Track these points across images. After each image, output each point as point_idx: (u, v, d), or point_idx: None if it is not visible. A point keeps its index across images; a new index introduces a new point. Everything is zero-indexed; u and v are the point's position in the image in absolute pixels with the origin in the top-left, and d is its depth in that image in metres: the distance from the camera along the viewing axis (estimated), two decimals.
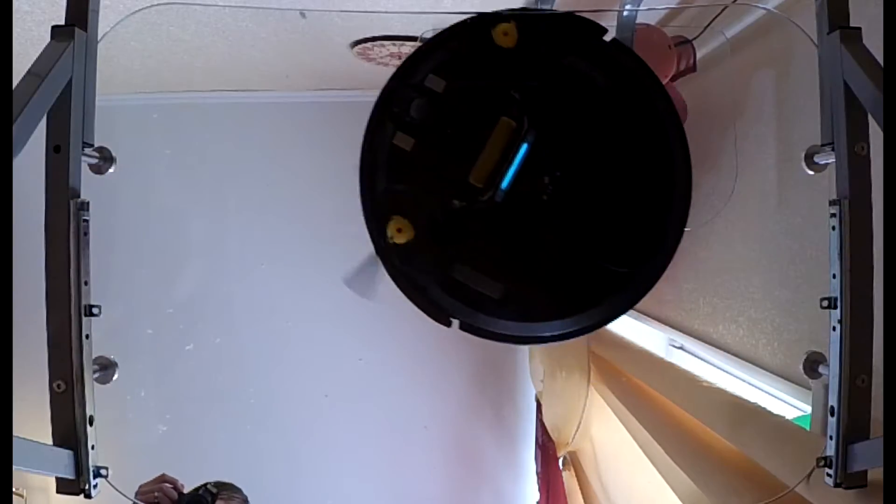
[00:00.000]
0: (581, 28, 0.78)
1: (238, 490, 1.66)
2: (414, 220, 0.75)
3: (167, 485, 1.44)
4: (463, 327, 0.77)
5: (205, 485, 1.52)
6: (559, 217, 0.76)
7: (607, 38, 0.80)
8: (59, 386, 0.78)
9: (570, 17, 0.77)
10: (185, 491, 1.49)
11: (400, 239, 0.75)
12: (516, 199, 0.74)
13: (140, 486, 1.40)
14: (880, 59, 0.76)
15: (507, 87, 0.75)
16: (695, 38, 1.55)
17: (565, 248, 0.77)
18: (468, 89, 0.75)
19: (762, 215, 1.37)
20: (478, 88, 0.75)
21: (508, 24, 0.74)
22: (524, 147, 0.73)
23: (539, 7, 1.13)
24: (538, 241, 0.77)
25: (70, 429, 0.78)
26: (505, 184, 0.73)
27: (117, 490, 0.86)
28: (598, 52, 0.78)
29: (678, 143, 0.79)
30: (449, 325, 0.76)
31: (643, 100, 0.78)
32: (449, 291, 0.76)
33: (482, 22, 0.74)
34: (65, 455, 0.77)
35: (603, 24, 0.82)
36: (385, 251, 0.75)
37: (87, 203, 0.81)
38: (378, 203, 0.75)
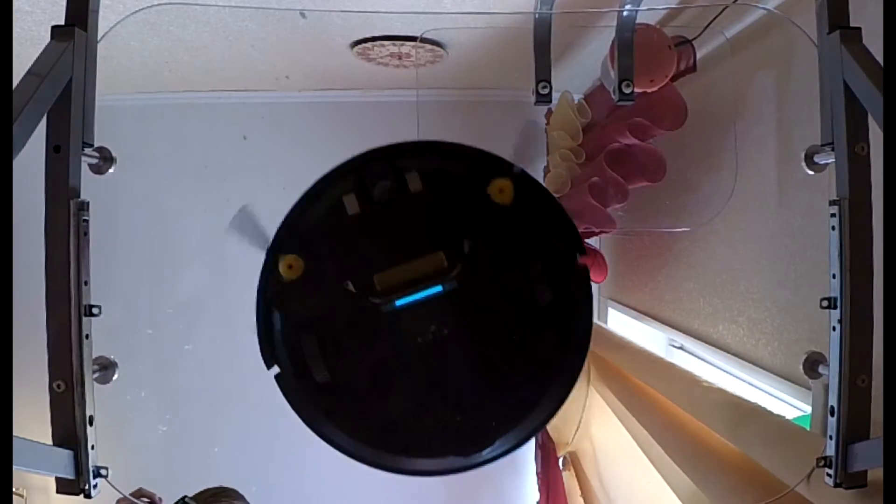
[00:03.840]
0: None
1: (239, 497, 1.65)
2: (308, 264, 0.74)
3: (144, 499, 1.44)
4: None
5: (183, 498, 1.51)
6: (428, 361, 0.73)
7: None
8: (59, 386, 0.78)
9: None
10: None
11: (289, 274, 0.75)
12: (396, 327, 0.72)
13: (117, 501, 1.38)
14: (880, 59, 0.76)
15: (462, 233, 0.72)
16: (695, 38, 1.55)
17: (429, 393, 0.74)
18: (437, 203, 0.73)
19: (762, 215, 1.37)
20: (443, 212, 0.74)
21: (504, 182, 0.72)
22: (437, 289, 0.71)
23: (539, 10, 1.13)
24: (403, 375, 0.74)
25: (70, 429, 0.77)
26: (399, 303, 0.71)
27: (117, 490, 0.86)
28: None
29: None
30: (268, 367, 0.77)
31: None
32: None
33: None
34: (65, 455, 0.77)
35: (603, 23, 0.82)
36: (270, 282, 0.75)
37: (87, 203, 0.81)
38: (289, 234, 0.75)
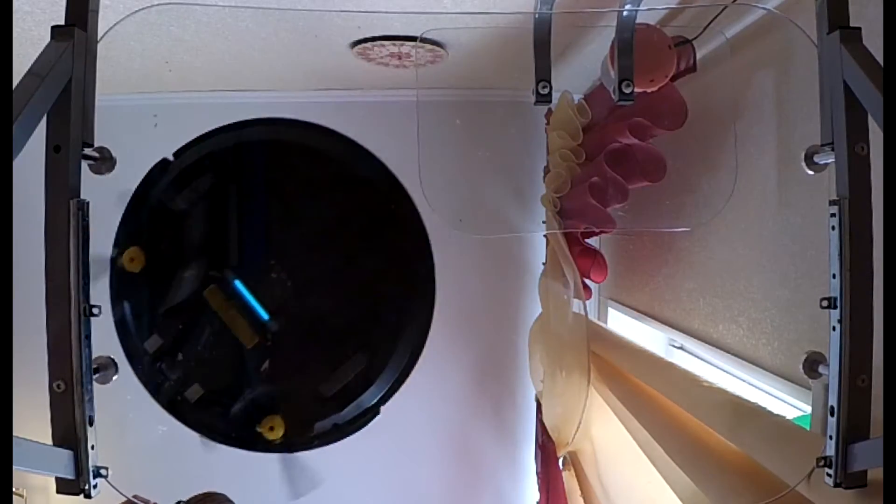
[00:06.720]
0: None
1: (227, 500, 1.65)
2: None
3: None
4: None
5: (178, 503, 1.51)
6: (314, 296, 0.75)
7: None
8: (59, 386, 0.78)
9: None
10: None
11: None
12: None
13: None
14: (880, 59, 0.76)
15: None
16: (695, 38, 1.55)
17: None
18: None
19: (762, 215, 1.37)
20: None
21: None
22: (240, 286, 0.73)
23: (539, 10, 1.13)
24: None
25: (70, 429, 0.78)
26: (267, 316, 0.72)
27: (117, 490, 0.86)
28: None
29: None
30: None
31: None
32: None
33: None
34: (65, 455, 0.77)
35: (603, 23, 0.83)
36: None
37: (87, 203, 0.81)
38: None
